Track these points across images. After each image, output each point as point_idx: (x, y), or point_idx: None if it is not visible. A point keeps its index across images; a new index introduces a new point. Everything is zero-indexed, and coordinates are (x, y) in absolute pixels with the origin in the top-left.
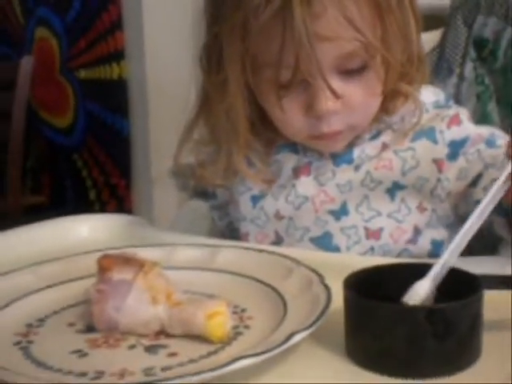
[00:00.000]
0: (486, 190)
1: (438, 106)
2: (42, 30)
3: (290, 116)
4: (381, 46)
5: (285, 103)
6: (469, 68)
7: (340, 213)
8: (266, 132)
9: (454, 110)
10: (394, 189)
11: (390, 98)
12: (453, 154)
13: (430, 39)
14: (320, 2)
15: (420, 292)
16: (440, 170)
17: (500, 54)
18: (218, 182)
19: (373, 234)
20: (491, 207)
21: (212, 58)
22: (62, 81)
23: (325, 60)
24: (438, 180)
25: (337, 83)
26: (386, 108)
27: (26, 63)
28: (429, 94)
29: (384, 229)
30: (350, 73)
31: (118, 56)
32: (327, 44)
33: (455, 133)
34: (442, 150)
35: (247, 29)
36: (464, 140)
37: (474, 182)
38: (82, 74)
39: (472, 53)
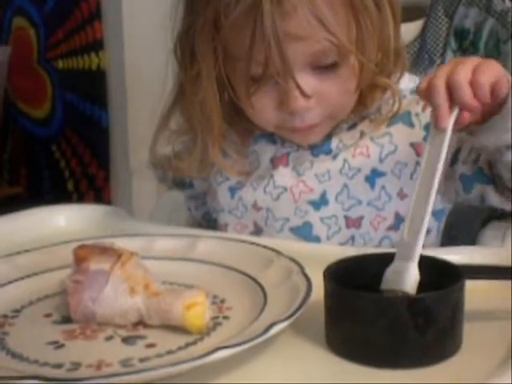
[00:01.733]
0: (465, 162)
1: (414, 91)
2: (19, 19)
3: (263, 110)
4: (353, 46)
5: (257, 98)
6: (449, 58)
7: (320, 203)
8: (242, 123)
9: None
10: (373, 176)
11: (368, 92)
12: None
13: (411, 30)
14: (289, 1)
15: (389, 276)
16: (418, 154)
17: (481, 45)
18: (193, 175)
19: (353, 223)
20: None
21: (185, 51)
22: (39, 71)
23: (295, 58)
24: (417, 163)
25: (309, 79)
26: (363, 101)
27: (3, 53)
28: (405, 81)
29: (364, 217)
30: (322, 69)
31: (96, 46)
32: (298, 43)
33: (429, 114)
34: (418, 134)
35: (218, 24)
36: None
37: (454, 159)
38: (60, 64)
39: (453, 43)
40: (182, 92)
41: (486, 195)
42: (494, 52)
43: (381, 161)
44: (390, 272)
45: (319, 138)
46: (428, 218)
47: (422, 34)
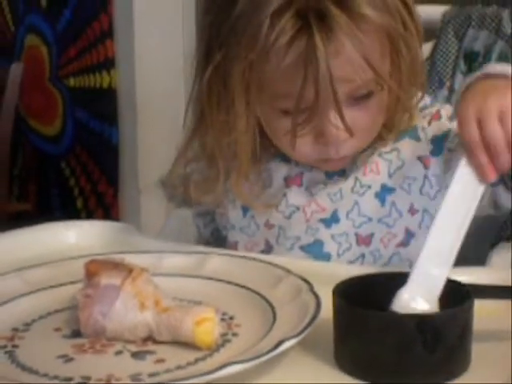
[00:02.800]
0: None
1: (422, 108)
2: (32, 37)
3: (301, 146)
4: (388, 76)
5: (294, 131)
6: (459, 81)
7: (331, 220)
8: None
9: (436, 107)
10: (383, 192)
11: (391, 117)
12: (437, 150)
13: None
14: (341, 45)
15: (402, 298)
16: (426, 167)
17: None
18: (207, 201)
19: (363, 240)
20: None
21: (214, 89)
22: (51, 89)
23: (343, 93)
24: (425, 177)
25: (347, 111)
26: (386, 125)
27: (16, 70)
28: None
29: (374, 234)
30: (356, 99)
31: (107, 64)
32: (340, 81)
33: (435, 128)
34: (425, 147)
35: (264, 69)
36: (446, 133)
37: None
38: (72, 82)
39: (462, 66)
40: (203, 121)
41: (497, 198)
42: None
43: (390, 176)
44: (404, 296)
45: (344, 166)
46: (456, 251)
47: (432, 56)
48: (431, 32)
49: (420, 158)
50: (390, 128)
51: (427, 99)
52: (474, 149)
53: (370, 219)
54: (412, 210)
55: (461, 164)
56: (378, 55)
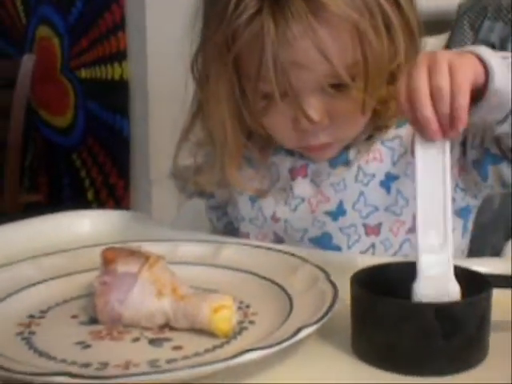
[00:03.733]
0: (473, 148)
1: None
2: (43, 28)
3: (278, 129)
4: (358, 70)
5: (272, 117)
6: None
7: (337, 213)
8: (262, 138)
9: None
10: (387, 180)
11: (383, 106)
12: None
13: (436, 43)
14: (291, 31)
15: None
16: None
17: None
18: (213, 189)
19: (372, 230)
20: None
21: (199, 71)
22: (62, 80)
23: (302, 83)
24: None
25: (319, 101)
26: (379, 114)
27: (27, 62)
28: None
29: (383, 223)
30: (335, 87)
31: (119, 56)
32: (302, 70)
33: None
34: None
35: (229, 47)
36: None
37: (463, 149)
38: (83, 73)
39: None
40: (201, 108)
41: (502, 175)
42: None
43: (393, 164)
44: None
45: (332, 155)
46: (450, 228)
47: (447, 48)
48: (447, 23)
49: None
50: (382, 117)
51: None
52: (418, 98)
53: (377, 208)
54: None
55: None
56: (338, 47)
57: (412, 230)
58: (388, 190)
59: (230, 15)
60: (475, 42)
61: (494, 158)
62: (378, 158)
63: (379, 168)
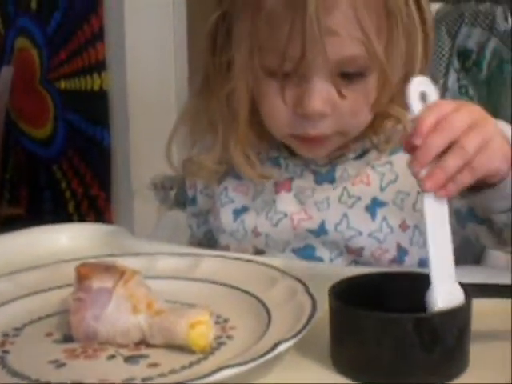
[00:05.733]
0: (461, 197)
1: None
2: (22, 40)
3: (277, 110)
4: (383, 54)
5: (273, 96)
6: (452, 79)
7: (318, 232)
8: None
9: None
10: (373, 206)
11: (381, 118)
12: None
13: None
14: None
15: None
16: None
17: (484, 65)
18: (207, 177)
19: (353, 252)
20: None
21: (217, 37)
22: (41, 91)
23: (335, 52)
24: (418, 192)
25: (330, 87)
26: (374, 127)
27: (6, 73)
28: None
29: (365, 248)
30: (344, 78)
31: (99, 67)
32: (334, 40)
33: None
34: None
35: (259, 10)
36: None
37: None
38: (63, 84)
39: (456, 63)
40: (207, 86)
41: (479, 235)
42: (498, 72)
43: (382, 189)
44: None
45: (325, 153)
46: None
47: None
48: None
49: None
50: (377, 131)
51: None
52: (441, 136)
53: (360, 233)
54: (403, 226)
55: None
56: (373, 26)
57: (395, 260)
58: (373, 215)
59: None
60: (453, 48)
61: (476, 218)
62: (364, 181)
63: (366, 191)
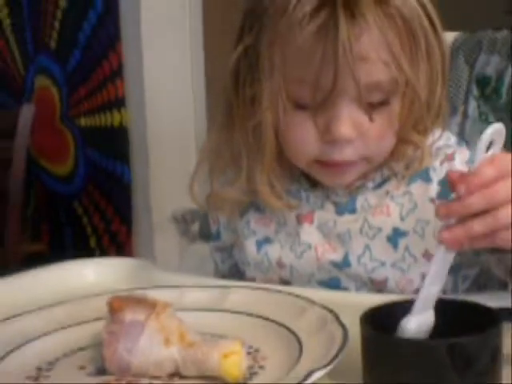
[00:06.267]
0: None
1: (438, 148)
2: (42, 78)
3: (303, 139)
4: (412, 76)
5: (302, 125)
6: (472, 106)
7: (342, 264)
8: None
9: (452, 149)
10: (395, 236)
11: (401, 145)
12: (444, 193)
13: None
14: (365, 22)
15: (407, 327)
16: None
17: (503, 92)
18: (230, 211)
19: (378, 284)
20: None
21: (240, 73)
22: (62, 129)
23: (364, 77)
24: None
25: (357, 112)
26: (394, 154)
27: (27, 111)
28: (434, 136)
29: (389, 279)
30: (370, 106)
31: (118, 103)
32: (363, 66)
33: (446, 170)
34: (435, 188)
35: (288, 43)
36: None
37: None
38: (83, 121)
39: (475, 91)
40: (231, 120)
41: (490, 265)
42: None
43: (402, 219)
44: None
45: (349, 181)
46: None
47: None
48: None
49: (432, 201)
50: (397, 158)
51: (452, 139)
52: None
53: (383, 264)
54: (427, 255)
55: None
56: (400, 49)
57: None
58: (395, 245)
59: (292, 6)
60: (471, 75)
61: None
62: (384, 212)
63: (386, 222)
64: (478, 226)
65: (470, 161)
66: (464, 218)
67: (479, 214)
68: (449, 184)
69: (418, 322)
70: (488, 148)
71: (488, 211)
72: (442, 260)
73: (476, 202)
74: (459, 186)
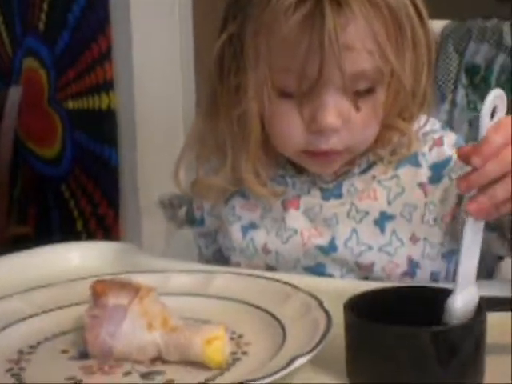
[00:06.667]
0: None
1: (425, 133)
2: (30, 60)
3: (290, 128)
4: (398, 65)
5: (288, 114)
6: (461, 94)
7: (328, 249)
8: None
9: (439, 133)
10: (382, 220)
11: (386, 132)
12: (436, 177)
13: None
14: (351, 12)
15: (454, 307)
16: (426, 194)
17: (492, 80)
18: (215, 199)
19: (365, 268)
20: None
21: (225, 61)
22: (49, 111)
23: (351, 66)
24: (425, 204)
25: (342, 102)
26: (380, 140)
27: (14, 93)
28: (420, 122)
29: (376, 263)
30: (356, 95)
31: (106, 86)
32: (349, 55)
33: (435, 155)
34: (425, 173)
35: (273, 32)
36: (446, 161)
37: (460, 199)
38: (71, 104)
39: (464, 79)
40: (215, 109)
41: (490, 243)
42: (506, 87)
43: (389, 203)
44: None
45: (334, 169)
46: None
47: (433, 71)
48: None
49: (420, 185)
50: (382, 144)
51: (437, 124)
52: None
53: (370, 247)
54: (414, 239)
55: None
56: (386, 39)
57: (408, 274)
58: (382, 229)
59: None
60: (460, 64)
61: (487, 226)
62: (371, 196)
63: (373, 206)
64: (500, 191)
65: (457, 144)
66: (484, 187)
67: (498, 180)
68: (461, 159)
69: (463, 300)
70: (492, 115)
71: (506, 175)
72: (472, 232)
73: (492, 169)
74: (473, 158)
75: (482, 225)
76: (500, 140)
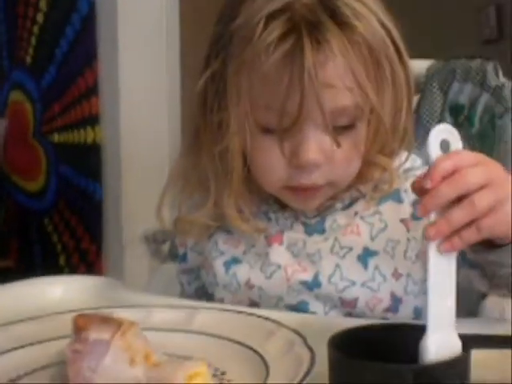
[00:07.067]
0: None
1: (407, 169)
2: (16, 93)
3: (271, 164)
4: (377, 102)
5: (269, 150)
6: None
7: (312, 285)
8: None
9: (420, 170)
10: (365, 256)
11: (368, 168)
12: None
13: None
14: (330, 49)
15: (424, 349)
16: (408, 230)
17: (476, 120)
18: (198, 235)
19: (348, 304)
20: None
21: (208, 98)
22: (34, 144)
23: (329, 104)
24: (408, 240)
25: (323, 138)
26: (362, 176)
27: None
28: (402, 159)
29: (359, 299)
30: (337, 128)
31: (92, 120)
32: (329, 92)
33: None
34: (406, 210)
35: (254, 70)
36: None
37: None
38: (56, 137)
39: (448, 118)
40: (198, 145)
41: (472, 279)
42: (489, 127)
43: (372, 239)
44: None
45: (316, 204)
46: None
47: (417, 110)
48: (416, 86)
49: (403, 221)
50: (364, 180)
51: (418, 161)
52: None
53: (354, 283)
54: (396, 274)
55: None
56: (365, 77)
57: (390, 309)
58: (365, 265)
59: (257, 34)
60: (445, 103)
61: (467, 262)
62: (355, 232)
63: (356, 242)
64: (456, 214)
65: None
66: (443, 211)
67: (455, 203)
68: (414, 191)
69: (437, 341)
70: (445, 150)
71: (462, 198)
72: (439, 268)
73: (445, 190)
74: (423, 181)
75: (452, 262)
76: (449, 163)
